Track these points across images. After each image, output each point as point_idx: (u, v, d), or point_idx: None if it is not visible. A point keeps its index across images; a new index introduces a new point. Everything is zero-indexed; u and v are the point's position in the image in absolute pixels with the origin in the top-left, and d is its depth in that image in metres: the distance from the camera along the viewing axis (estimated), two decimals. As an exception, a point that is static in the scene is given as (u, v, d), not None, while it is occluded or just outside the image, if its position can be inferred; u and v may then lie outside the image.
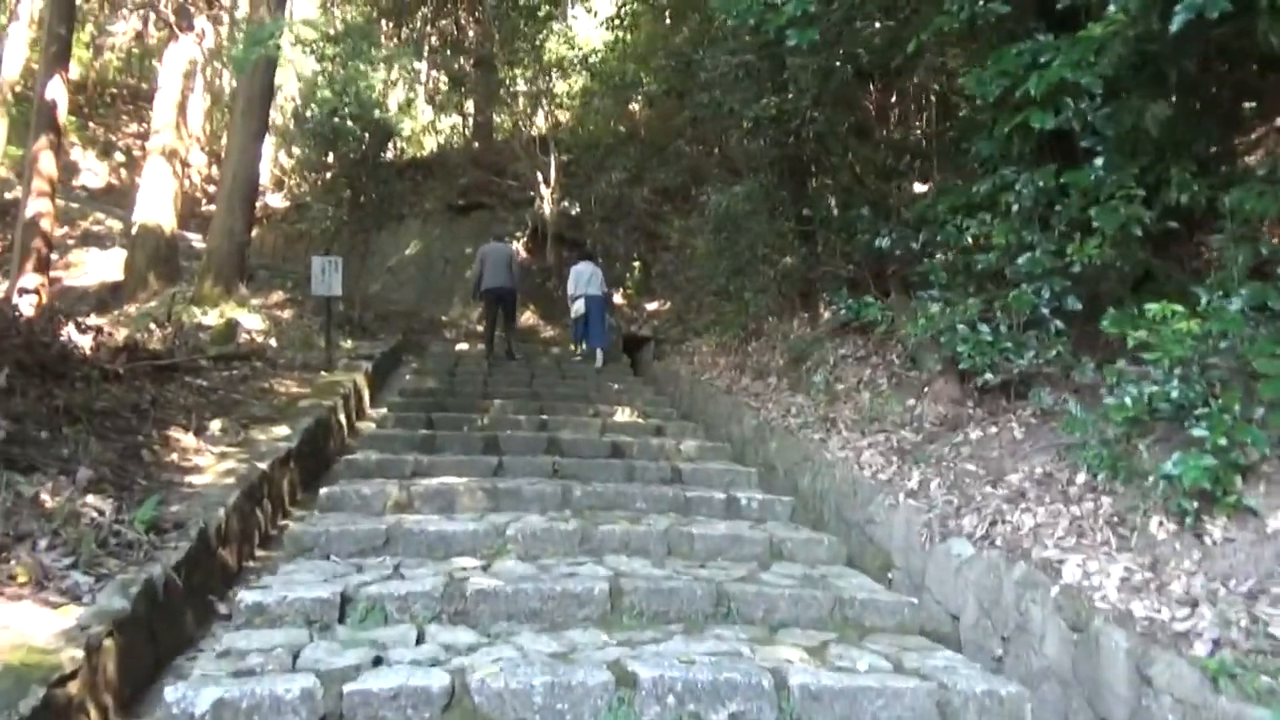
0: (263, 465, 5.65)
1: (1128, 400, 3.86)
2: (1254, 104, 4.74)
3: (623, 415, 8.56)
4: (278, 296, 13.30)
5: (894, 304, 7.40)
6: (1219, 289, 3.97)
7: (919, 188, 8.85)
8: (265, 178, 22.95)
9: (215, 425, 6.58)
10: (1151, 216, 3.90)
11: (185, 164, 21.49)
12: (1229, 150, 4.72)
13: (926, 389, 6.18)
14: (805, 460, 6.44)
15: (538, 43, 16.14)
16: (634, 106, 18.06)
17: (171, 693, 2.97)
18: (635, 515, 5.51)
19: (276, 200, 21.58)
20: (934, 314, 5.71)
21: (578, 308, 11.82)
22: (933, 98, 8.81)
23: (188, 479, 5.42)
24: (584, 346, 11.96)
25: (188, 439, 6.24)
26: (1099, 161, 4.04)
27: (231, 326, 10.73)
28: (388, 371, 11.17)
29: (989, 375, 5.03)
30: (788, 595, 4.18)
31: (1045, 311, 4.90)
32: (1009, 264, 5.10)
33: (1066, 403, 5.15)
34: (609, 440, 7.28)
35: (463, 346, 13.58)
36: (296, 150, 18.58)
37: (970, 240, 5.81)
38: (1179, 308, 3.79)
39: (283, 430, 6.78)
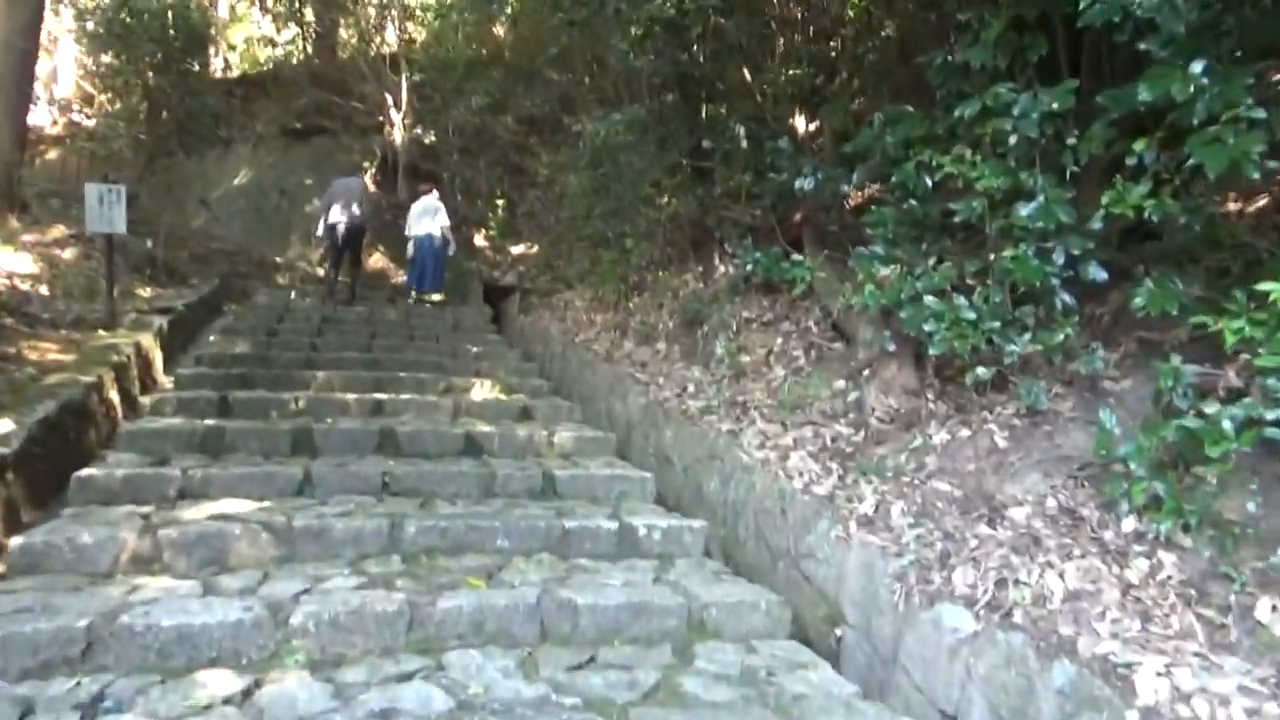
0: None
1: (1226, 425, 2.61)
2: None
3: (482, 391, 6.96)
4: (60, 231, 10.83)
5: (811, 259, 6.10)
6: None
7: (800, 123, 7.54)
8: (69, 89, 19.74)
9: (-110, 425, 4.64)
10: (1265, 148, 2.63)
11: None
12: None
13: (867, 371, 4.88)
14: (712, 458, 5.08)
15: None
16: (498, 29, 16.07)
17: None
18: (494, 563, 3.96)
19: (83, 117, 18.47)
20: (885, 278, 4.39)
21: (411, 248, 11.03)
22: (851, 11, 7.42)
23: None
24: (415, 292, 11.04)
25: None
26: (1196, 68, 2.69)
27: (-20, 270, 8.43)
28: (196, 327, 9.11)
29: (980, 369, 3.73)
30: (729, 730, 2.76)
31: (1055, 282, 3.62)
32: (1002, 215, 3.79)
33: (1063, 400, 3.96)
34: (462, 431, 5.66)
35: (296, 295, 11.57)
36: (106, 58, 15.74)
37: (930, 184, 4.50)
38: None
39: (3, 425, 4.88)
